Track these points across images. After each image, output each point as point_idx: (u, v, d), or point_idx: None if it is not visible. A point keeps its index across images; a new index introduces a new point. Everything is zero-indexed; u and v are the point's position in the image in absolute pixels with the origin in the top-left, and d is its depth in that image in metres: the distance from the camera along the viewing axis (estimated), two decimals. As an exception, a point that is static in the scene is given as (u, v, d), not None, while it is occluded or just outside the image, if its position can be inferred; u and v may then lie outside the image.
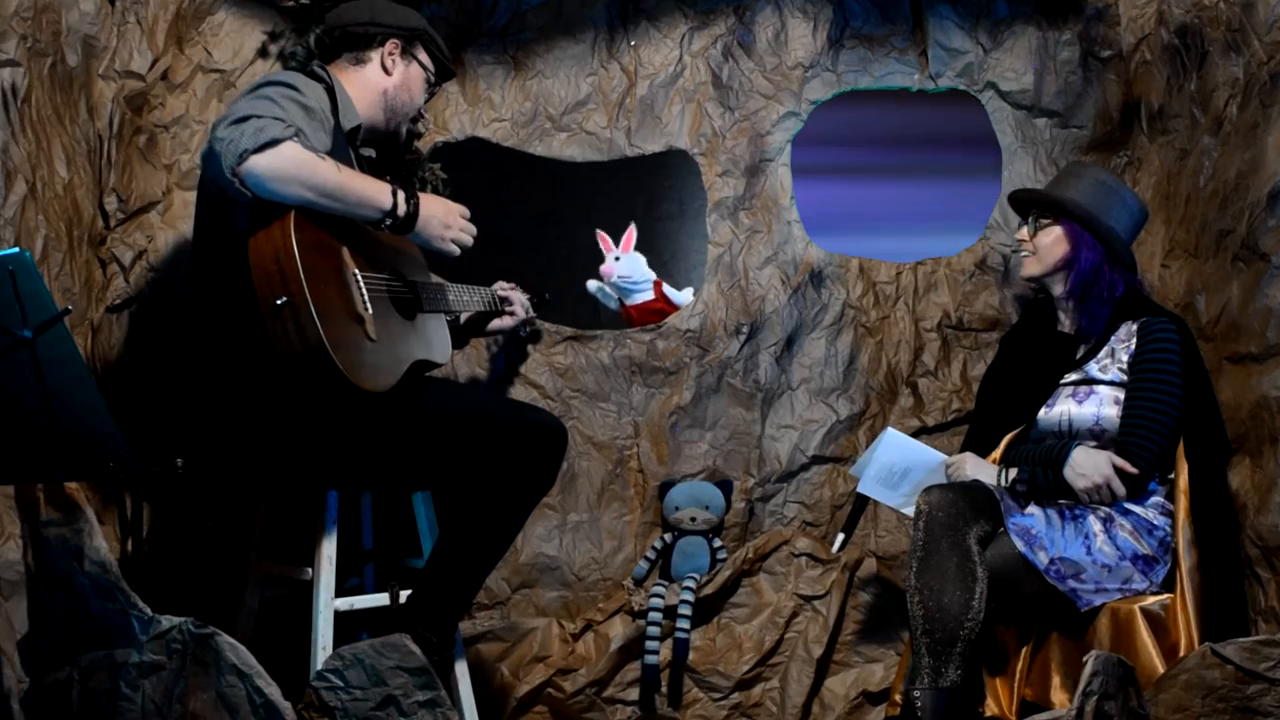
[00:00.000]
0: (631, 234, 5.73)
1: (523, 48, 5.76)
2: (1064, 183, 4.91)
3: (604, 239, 5.73)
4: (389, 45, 4.59)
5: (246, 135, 3.90)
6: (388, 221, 4.20)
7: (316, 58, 4.62)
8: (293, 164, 3.94)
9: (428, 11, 4.83)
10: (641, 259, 5.74)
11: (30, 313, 3.31)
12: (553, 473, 4.53)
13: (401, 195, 4.22)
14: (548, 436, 4.48)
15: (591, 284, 5.80)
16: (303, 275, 3.92)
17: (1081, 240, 4.77)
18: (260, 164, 3.90)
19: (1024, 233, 4.91)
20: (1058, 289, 4.88)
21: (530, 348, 5.67)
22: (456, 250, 4.43)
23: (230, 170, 3.90)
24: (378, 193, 4.17)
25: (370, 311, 4.21)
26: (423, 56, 4.68)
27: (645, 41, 5.79)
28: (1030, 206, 4.94)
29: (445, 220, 4.38)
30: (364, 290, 4.22)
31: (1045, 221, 4.85)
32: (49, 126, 4.58)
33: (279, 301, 3.92)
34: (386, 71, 4.60)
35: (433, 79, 4.74)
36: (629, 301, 5.73)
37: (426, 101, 4.79)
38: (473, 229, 4.48)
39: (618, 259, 5.71)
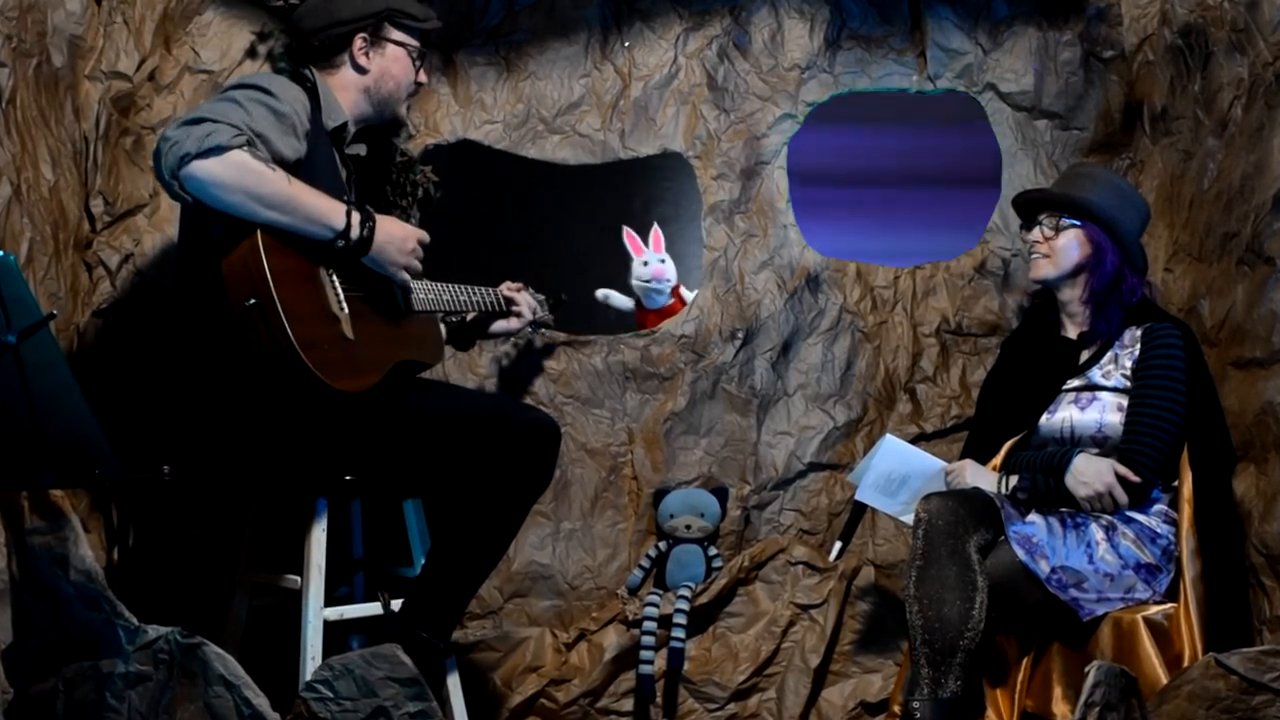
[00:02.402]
0: (659, 234, 5.69)
1: (515, 49, 5.71)
2: (1077, 184, 4.85)
3: (632, 238, 5.68)
4: (356, 42, 4.47)
5: (191, 139, 3.86)
6: (340, 243, 4.12)
7: (305, 64, 4.54)
8: (237, 172, 3.89)
9: (418, 11, 4.78)
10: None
11: (14, 317, 3.29)
12: (548, 471, 4.50)
13: (357, 217, 4.14)
14: (541, 434, 4.44)
15: (600, 292, 5.76)
16: (269, 275, 3.92)
17: (1104, 244, 4.72)
18: (202, 169, 3.86)
19: (1037, 234, 4.84)
20: (1069, 292, 4.83)
21: (521, 351, 5.62)
22: (408, 278, 4.38)
23: (170, 172, 3.88)
24: (330, 211, 4.09)
25: (346, 311, 4.18)
26: (396, 35, 4.53)
27: (639, 42, 5.74)
28: (1040, 208, 4.87)
29: (402, 246, 4.30)
30: (339, 290, 4.19)
31: (1068, 223, 4.79)
32: (34, 128, 4.53)
33: (248, 303, 3.92)
34: (362, 70, 4.49)
35: (415, 52, 4.59)
36: (652, 306, 5.70)
37: (422, 62, 4.63)
38: (421, 257, 4.41)
39: (663, 260, 5.69)
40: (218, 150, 3.86)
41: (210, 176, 3.86)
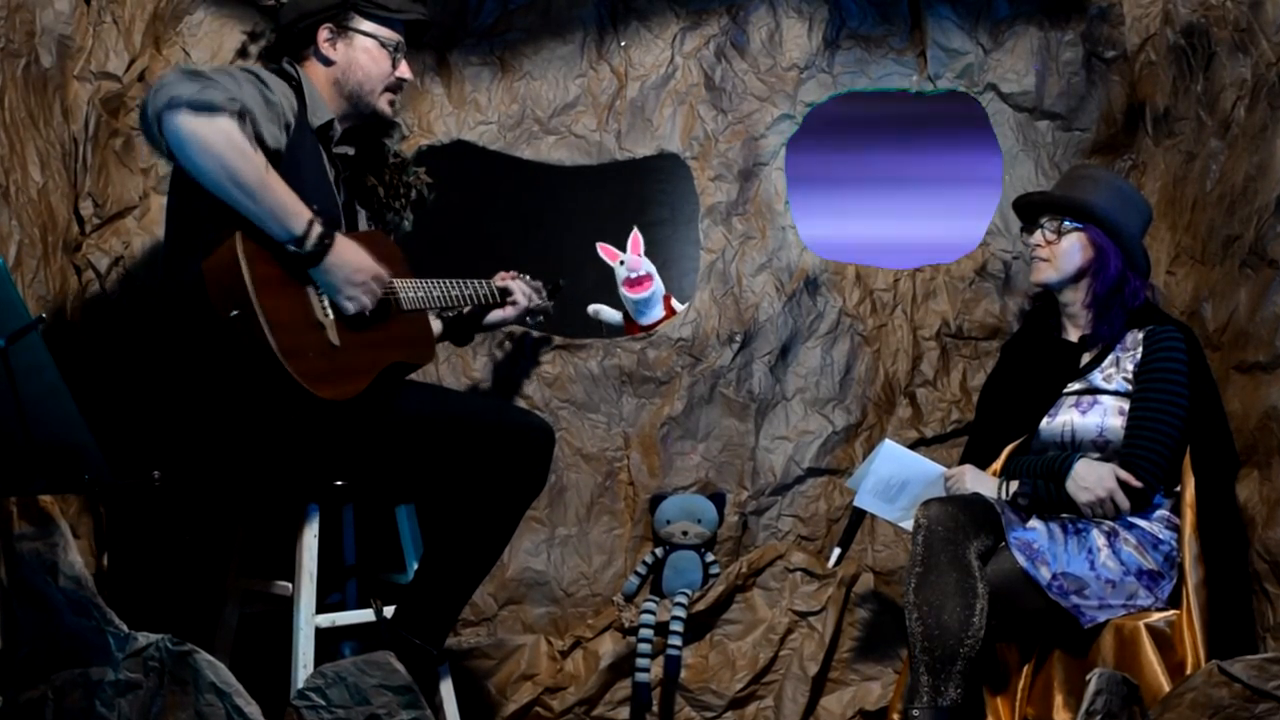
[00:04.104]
0: (637, 237, 5.64)
1: (510, 48, 5.69)
2: (1079, 186, 4.82)
3: (605, 249, 5.64)
4: (321, 33, 4.41)
5: (188, 87, 3.81)
6: (292, 247, 4.02)
7: (285, 57, 4.50)
8: (222, 139, 3.84)
9: (411, 11, 4.74)
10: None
11: (3, 321, 3.25)
12: (542, 474, 4.46)
13: (318, 230, 4.03)
14: (534, 438, 4.42)
15: (592, 307, 5.75)
16: (250, 286, 3.87)
17: (1107, 247, 4.69)
18: (188, 123, 3.81)
19: (1039, 237, 4.80)
20: (1071, 295, 4.80)
21: (516, 354, 5.58)
22: (351, 308, 4.20)
23: (156, 111, 3.81)
24: (295, 214, 4.00)
25: (331, 316, 4.14)
26: (365, 25, 4.47)
27: (636, 42, 5.72)
28: (1041, 211, 4.84)
29: (352, 277, 4.16)
30: (323, 296, 4.15)
31: (1070, 226, 4.75)
32: (22, 129, 4.52)
33: (231, 314, 3.87)
34: (328, 61, 4.44)
35: (388, 41, 4.51)
36: (643, 320, 5.67)
37: (400, 55, 4.53)
38: (376, 293, 4.26)
39: (649, 274, 5.63)
40: (210, 108, 3.81)
41: (193, 134, 3.81)
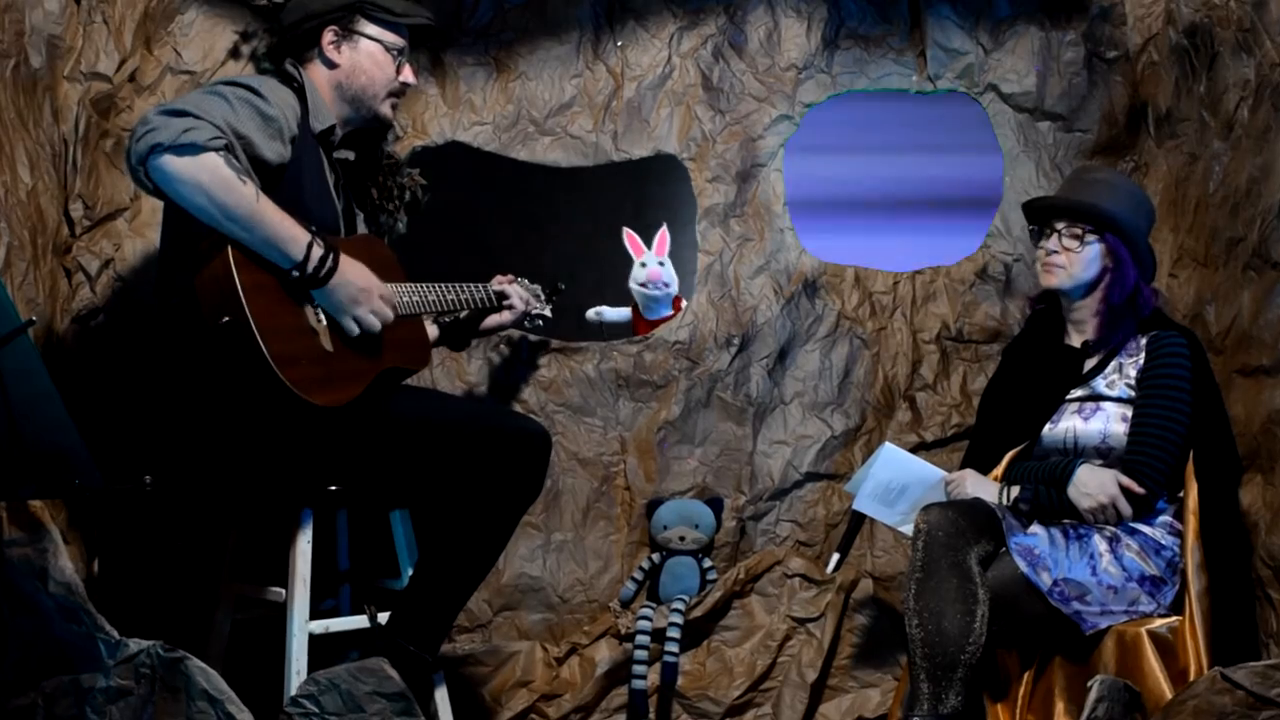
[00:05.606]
0: (665, 237, 5.68)
1: (505, 48, 5.67)
2: (1096, 192, 4.75)
3: (632, 239, 5.66)
4: (326, 35, 4.40)
5: (169, 130, 3.79)
6: (295, 274, 4.01)
7: (287, 58, 4.46)
8: (207, 175, 3.82)
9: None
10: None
11: (-8, 324, 3.21)
12: (538, 479, 4.44)
13: (318, 252, 4.02)
14: (531, 442, 4.40)
15: (591, 312, 5.74)
16: (241, 292, 3.85)
17: (1125, 258, 4.66)
18: (172, 165, 3.80)
19: (1055, 243, 4.73)
20: (1081, 302, 4.76)
21: (511, 358, 5.55)
22: (356, 329, 4.18)
23: (138, 158, 3.82)
24: (291, 240, 3.98)
25: (324, 323, 4.12)
26: (369, 29, 4.45)
27: (632, 42, 5.71)
28: (1059, 215, 4.77)
29: (357, 297, 4.14)
30: (316, 301, 4.12)
31: (1090, 235, 4.70)
32: (12, 130, 4.50)
33: (223, 321, 3.85)
34: (332, 64, 4.42)
35: (392, 46, 4.50)
36: (651, 315, 5.67)
37: (403, 59, 4.53)
38: (388, 316, 4.23)
39: (662, 263, 5.67)
40: (192, 149, 3.79)
41: (178, 173, 3.80)
